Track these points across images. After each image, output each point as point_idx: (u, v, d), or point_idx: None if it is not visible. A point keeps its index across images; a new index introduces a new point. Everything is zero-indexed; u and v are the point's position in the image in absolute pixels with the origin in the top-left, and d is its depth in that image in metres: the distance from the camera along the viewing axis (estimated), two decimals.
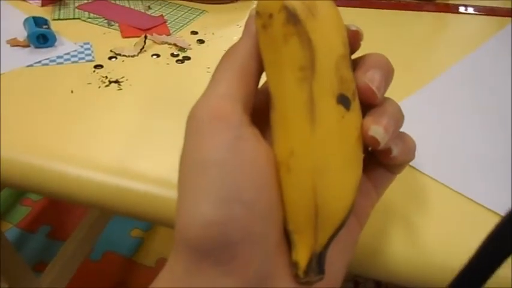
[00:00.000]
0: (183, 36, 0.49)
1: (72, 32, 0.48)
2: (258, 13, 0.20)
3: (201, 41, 0.49)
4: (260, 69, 0.21)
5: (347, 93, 0.19)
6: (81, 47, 0.46)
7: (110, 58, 0.44)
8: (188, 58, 0.45)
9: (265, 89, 0.21)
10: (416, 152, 0.22)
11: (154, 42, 0.48)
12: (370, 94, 0.20)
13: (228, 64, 0.20)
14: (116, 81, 0.41)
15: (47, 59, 0.44)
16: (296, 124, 0.19)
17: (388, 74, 0.20)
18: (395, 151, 0.20)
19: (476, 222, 0.29)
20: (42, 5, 0.53)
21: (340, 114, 0.19)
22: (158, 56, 0.46)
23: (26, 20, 0.46)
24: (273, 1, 0.19)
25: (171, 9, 0.55)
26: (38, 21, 0.45)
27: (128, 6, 0.56)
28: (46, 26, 0.45)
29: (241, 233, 0.17)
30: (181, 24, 0.52)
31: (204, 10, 0.56)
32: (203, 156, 0.18)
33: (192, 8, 0.56)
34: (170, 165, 0.31)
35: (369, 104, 0.20)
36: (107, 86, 0.40)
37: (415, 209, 0.29)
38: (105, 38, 0.48)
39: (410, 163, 0.26)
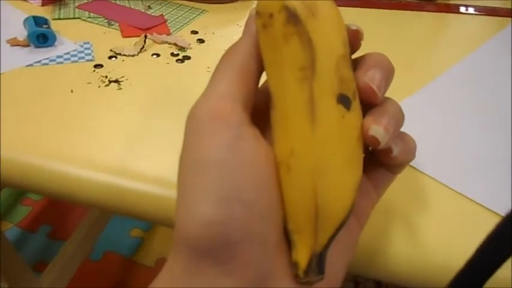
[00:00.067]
0: (183, 36, 0.49)
1: (72, 32, 0.48)
2: (258, 13, 0.20)
3: (201, 41, 0.49)
4: (260, 69, 0.21)
5: (347, 93, 0.19)
6: (81, 46, 0.46)
7: (110, 58, 0.44)
8: (188, 58, 0.45)
9: (265, 88, 0.21)
10: (416, 152, 0.22)
11: (155, 41, 0.48)
12: (370, 94, 0.20)
13: (228, 64, 0.20)
14: (116, 81, 0.41)
15: (47, 58, 0.44)
16: (296, 124, 0.19)
17: (388, 73, 0.20)
18: (396, 151, 0.20)
19: (476, 222, 0.29)
20: (42, 5, 0.53)
21: (341, 114, 0.19)
22: (158, 55, 0.45)
23: (26, 19, 0.46)
24: (274, 1, 0.19)
25: (171, 9, 0.55)
26: (38, 21, 0.45)
27: (128, 5, 0.56)
28: (46, 26, 0.45)
29: (241, 233, 0.17)
30: (182, 24, 0.52)
31: (204, 10, 0.56)
32: (203, 156, 0.18)
33: (192, 7, 0.56)
34: (170, 165, 0.31)
35: (369, 104, 0.20)
36: (106, 85, 0.40)
37: (416, 209, 0.29)
38: (105, 37, 0.48)
39: (411, 163, 0.26)
